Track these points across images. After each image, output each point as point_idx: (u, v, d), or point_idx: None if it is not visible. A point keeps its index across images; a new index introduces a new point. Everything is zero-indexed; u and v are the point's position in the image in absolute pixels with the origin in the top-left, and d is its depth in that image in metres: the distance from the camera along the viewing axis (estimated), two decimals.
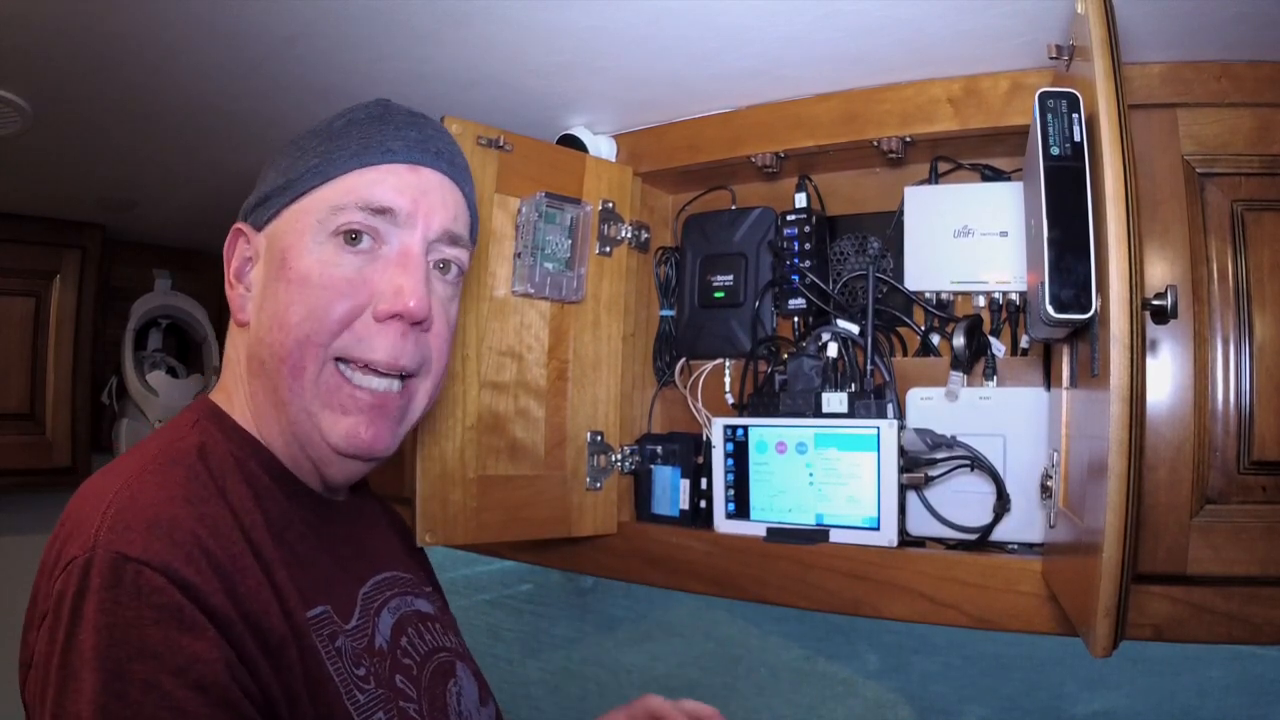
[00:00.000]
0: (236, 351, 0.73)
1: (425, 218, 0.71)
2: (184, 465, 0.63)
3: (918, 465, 0.99)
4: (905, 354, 1.11)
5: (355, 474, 0.73)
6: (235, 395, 0.72)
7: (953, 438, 0.98)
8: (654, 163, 1.21)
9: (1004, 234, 0.99)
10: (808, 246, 1.13)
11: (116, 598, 0.53)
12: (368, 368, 0.69)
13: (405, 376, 0.72)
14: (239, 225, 0.74)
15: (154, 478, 0.61)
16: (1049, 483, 0.87)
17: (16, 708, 0.58)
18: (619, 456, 1.20)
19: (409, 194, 0.70)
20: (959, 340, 0.99)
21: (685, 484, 1.18)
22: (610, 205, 1.18)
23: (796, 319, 1.16)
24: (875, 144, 1.04)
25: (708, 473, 1.14)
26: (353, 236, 0.69)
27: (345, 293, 0.68)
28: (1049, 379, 0.97)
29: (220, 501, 0.62)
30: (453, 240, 0.73)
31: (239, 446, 0.68)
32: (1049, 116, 0.73)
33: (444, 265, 0.74)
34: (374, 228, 0.69)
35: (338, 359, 0.69)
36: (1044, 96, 0.73)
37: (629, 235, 1.21)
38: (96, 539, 0.55)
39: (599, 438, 1.18)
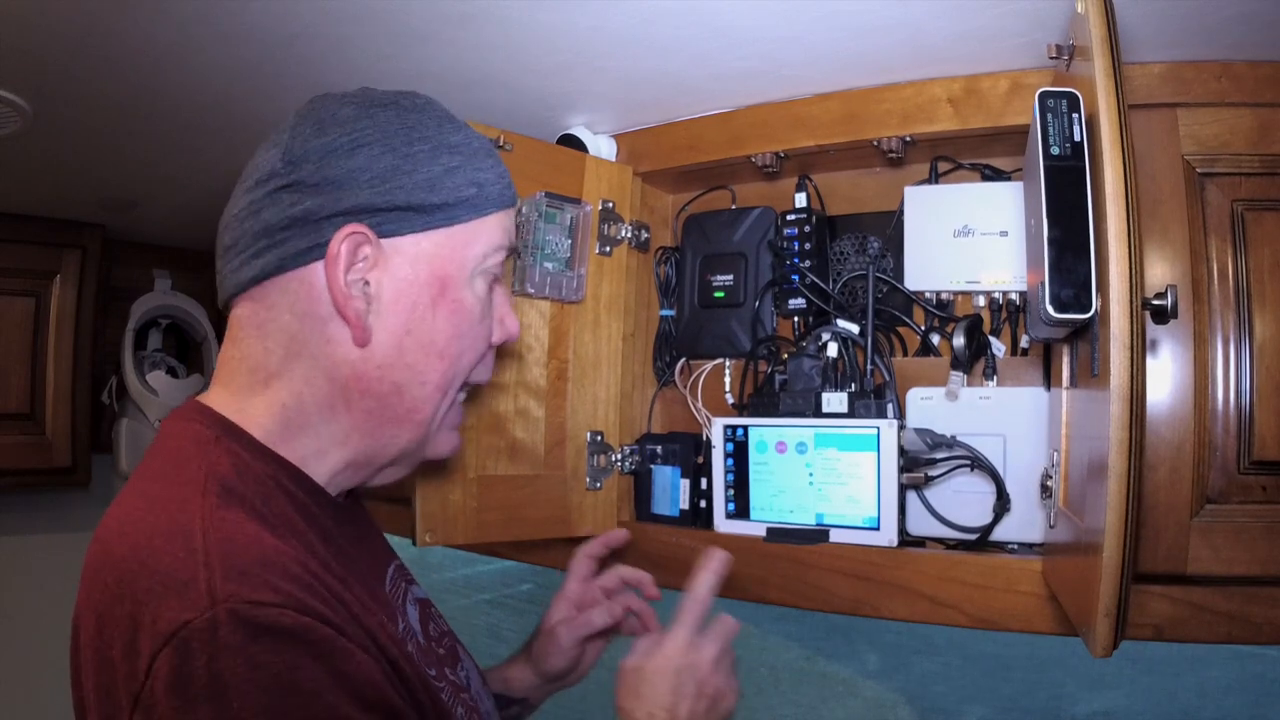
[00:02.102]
0: (317, 369, 0.65)
1: None
2: (238, 493, 0.58)
3: (918, 465, 0.99)
4: (905, 354, 1.11)
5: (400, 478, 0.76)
6: (253, 404, 0.65)
7: (953, 438, 0.98)
8: (654, 162, 1.21)
9: (1004, 234, 0.99)
10: (808, 246, 1.13)
11: (265, 648, 0.49)
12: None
13: None
14: (360, 229, 0.63)
15: (228, 512, 0.56)
16: (1049, 483, 0.87)
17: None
18: (619, 456, 1.20)
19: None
20: (959, 340, 0.99)
21: (685, 484, 1.18)
22: (610, 205, 1.18)
23: (796, 319, 1.16)
24: (875, 144, 1.04)
25: (708, 473, 1.14)
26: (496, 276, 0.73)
27: (489, 326, 0.73)
28: (1049, 379, 0.97)
29: (284, 527, 0.59)
30: None
31: (266, 464, 0.63)
32: (1049, 116, 0.73)
33: None
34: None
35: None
36: (1044, 96, 0.73)
37: (629, 235, 1.21)
38: (213, 594, 0.49)
39: (599, 438, 1.18)
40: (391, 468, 0.72)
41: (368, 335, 0.64)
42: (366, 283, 0.64)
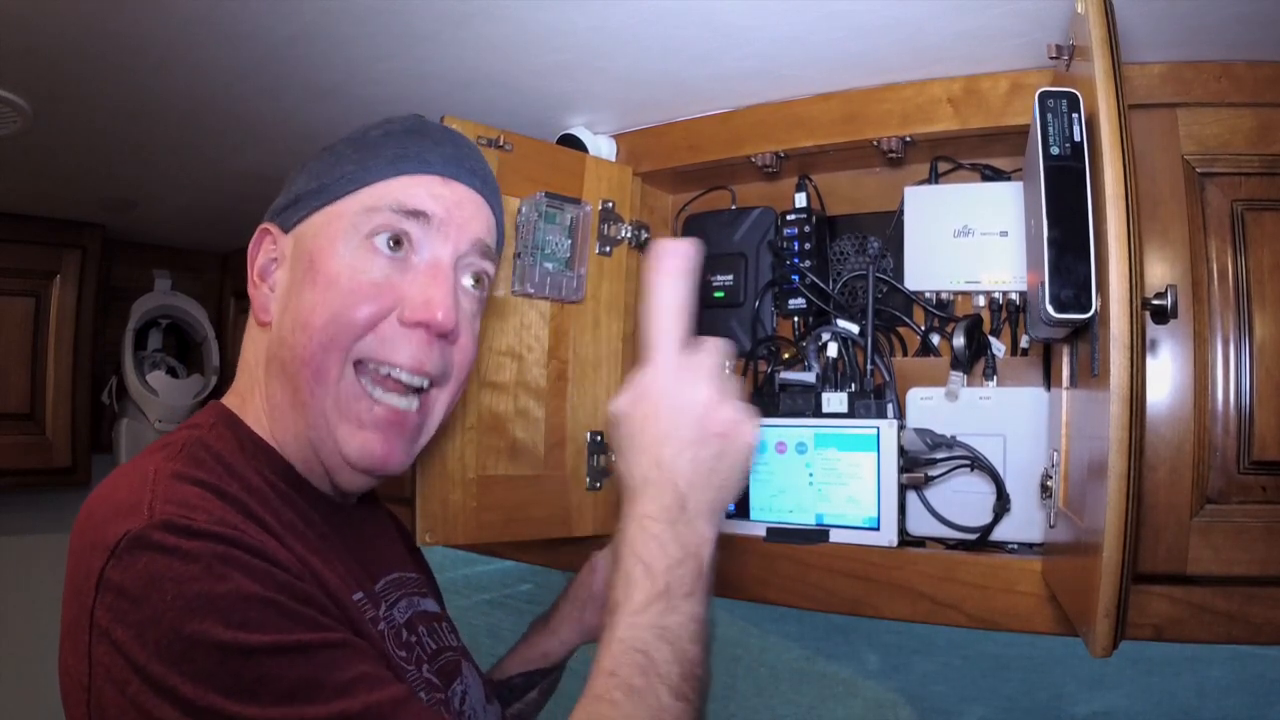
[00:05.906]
0: (256, 353, 0.72)
1: (458, 229, 0.71)
2: (203, 468, 0.61)
3: (918, 465, 0.99)
4: (905, 354, 1.11)
5: (365, 485, 0.73)
6: (250, 399, 0.71)
7: (953, 438, 0.98)
8: (654, 163, 1.21)
9: (1004, 234, 0.99)
10: (808, 246, 1.13)
11: (197, 545, 0.52)
12: (388, 379, 0.68)
13: (423, 391, 0.71)
14: (266, 225, 0.73)
15: (186, 472, 0.59)
16: (1049, 483, 0.87)
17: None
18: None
19: (443, 203, 0.70)
20: (959, 340, 0.99)
21: None
22: (610, 205, 1.18)
23: (796, 319, 1.16)
24: (875, 144, 1.04)
25: None
26: (393, 243, 0.68)
27: (372, 296, 0.67)
28: (1049, 379, 0.97)
29: (243, 501, 0.61)
30: (484, 253, 0.74)
31: (253, 454, 0.67)
32: (1049, 116, 0.73)
33: (476, 279, 0.74)
34: (406, 232, 0.69)
35: (359, 362, 0.68)
36: (1044, 96, 0.73)
37: (629, 235, 1.21)
38: (152, 510, 0.54)
39: (599, 438, 1.18)
40: (340, 470, 0.69)
41: (266, 318, 0.71)
42: (276, 268, 0.72)
